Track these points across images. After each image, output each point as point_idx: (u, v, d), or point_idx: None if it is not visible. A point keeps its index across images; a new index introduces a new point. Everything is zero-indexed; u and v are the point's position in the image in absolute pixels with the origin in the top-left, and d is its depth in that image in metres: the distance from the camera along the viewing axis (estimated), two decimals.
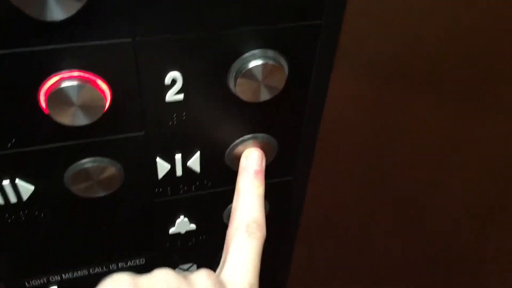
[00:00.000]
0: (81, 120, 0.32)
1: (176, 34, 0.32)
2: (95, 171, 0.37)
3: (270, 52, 0.34)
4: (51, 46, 0.30)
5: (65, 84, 0.31)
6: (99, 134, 0.36)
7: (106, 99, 0.33)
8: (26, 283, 0.45)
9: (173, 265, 0.50)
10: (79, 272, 0.46)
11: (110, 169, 0.37)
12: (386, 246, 0.56)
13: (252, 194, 0.37)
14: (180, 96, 0.35)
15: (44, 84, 0.31)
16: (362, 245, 0.56)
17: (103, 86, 0.32)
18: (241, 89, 0.35)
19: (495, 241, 0.60)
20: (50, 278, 0.45)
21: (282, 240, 0.51)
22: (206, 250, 0.49)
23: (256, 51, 0.34)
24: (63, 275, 0.46)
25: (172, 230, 0.45)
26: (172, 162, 0.39)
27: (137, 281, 0.30)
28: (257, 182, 0.38)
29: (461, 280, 0.66)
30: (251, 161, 0.39)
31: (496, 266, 0.65)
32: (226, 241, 0.36)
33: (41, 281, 0.45)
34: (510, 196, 0.55)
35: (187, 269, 0.51)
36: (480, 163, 0.50)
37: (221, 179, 0.42)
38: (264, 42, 0.34)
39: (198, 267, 0.51)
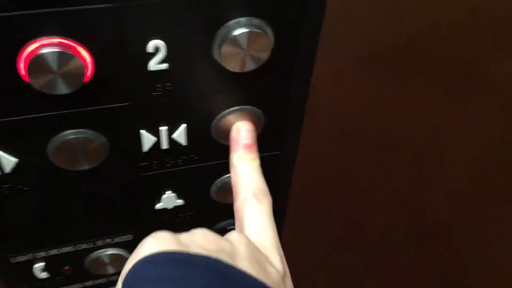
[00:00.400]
0: (62, 88, 0.32)
1: None
2: (79, 143, 0.36)
3: (256, 20, 0.34)
4: (32, 11, 0.29)
5: (45, 50, 0.30)
6: (82, 105, 0.35)
7: (87, 67, 0.32)
8: (11, 260, 0.44)
9: None
10: (65, 248, 0.45)
11: (94, 141, 0.37)
12: (374, 219, 0.56)
13: (249, 168, 0.37)
14: (164, 66, 0.34)
15: (23, 51, 0.30)
16: (351, 219, 0.56)
17: (84, 53, 0.32)
18: (225, 58, 0.34)
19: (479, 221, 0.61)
20: (36, 255, 0.45)
21: None
22: (195, 226, 0.48)
23: (241, 19, 0.33)
24: (49, 251, 0.45)
25: (159, 206, 0.45)
26: (157, 134, 0.39)
27: (178, 236, 0.30)
28: (251, 155, 0.38)
29: (443, 255, 0.66)
30: (242, 135, 0.39)
31: (485, 247, 0.65)
32: (237, 215, 0.36)
33: (27, 257, 0.45)
34: (489, 179, 0.55)
35: None
36: (463, 142, 0.50)
37: (208, 153, 0.42)
38: (250, 10, 0.33)
39: None
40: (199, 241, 0.30)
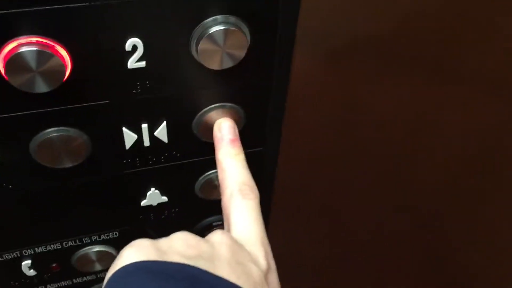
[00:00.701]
0: (41, 87, 0.32)
1: None
2: (61, 140, 0.37)
3: (232, 18, 0.34)
4: (10, 10, 0.30)
5: (23, 49, 0.31)
6: (63, 103, 0.36)
7: (66, 66, 0.32)
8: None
9: None
10: (52, 245, 0.46)
11: (76, 138, 0.37)
12: (359, 213, 0.57)
13: (234, 162, 0.38)
14: (142, 63, 0.35)
15: (2, 50, 0.31)
16: (335, 213, 0.56)
17: (63, 52, 0.32)
18: (203, 55, 0.34)
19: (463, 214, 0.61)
20: (23, 252, 0.46)
21: None
22: (180, 223, 0.49)
23: (218, 17, 0.34)
24: (36, 249, 0.46)
25: (143, 203, 0.45)
26: (138, 132, 0.39)
27: (157, 243, 0.31)
28: (235, 150, 0.39)
29: (442, 255, 0.66)
30: (224, 131, 0.39)
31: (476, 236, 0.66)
32: (224, 211, 0.37)
33: (14, 255, 0.45)
34: (470, 171, 0.56)
35: None
36: (443, 135, 0.51)
37: (190, 150, 0.42)
38: (226, 8, 0.34)
39: None
40: (179, 247, 0.31)
